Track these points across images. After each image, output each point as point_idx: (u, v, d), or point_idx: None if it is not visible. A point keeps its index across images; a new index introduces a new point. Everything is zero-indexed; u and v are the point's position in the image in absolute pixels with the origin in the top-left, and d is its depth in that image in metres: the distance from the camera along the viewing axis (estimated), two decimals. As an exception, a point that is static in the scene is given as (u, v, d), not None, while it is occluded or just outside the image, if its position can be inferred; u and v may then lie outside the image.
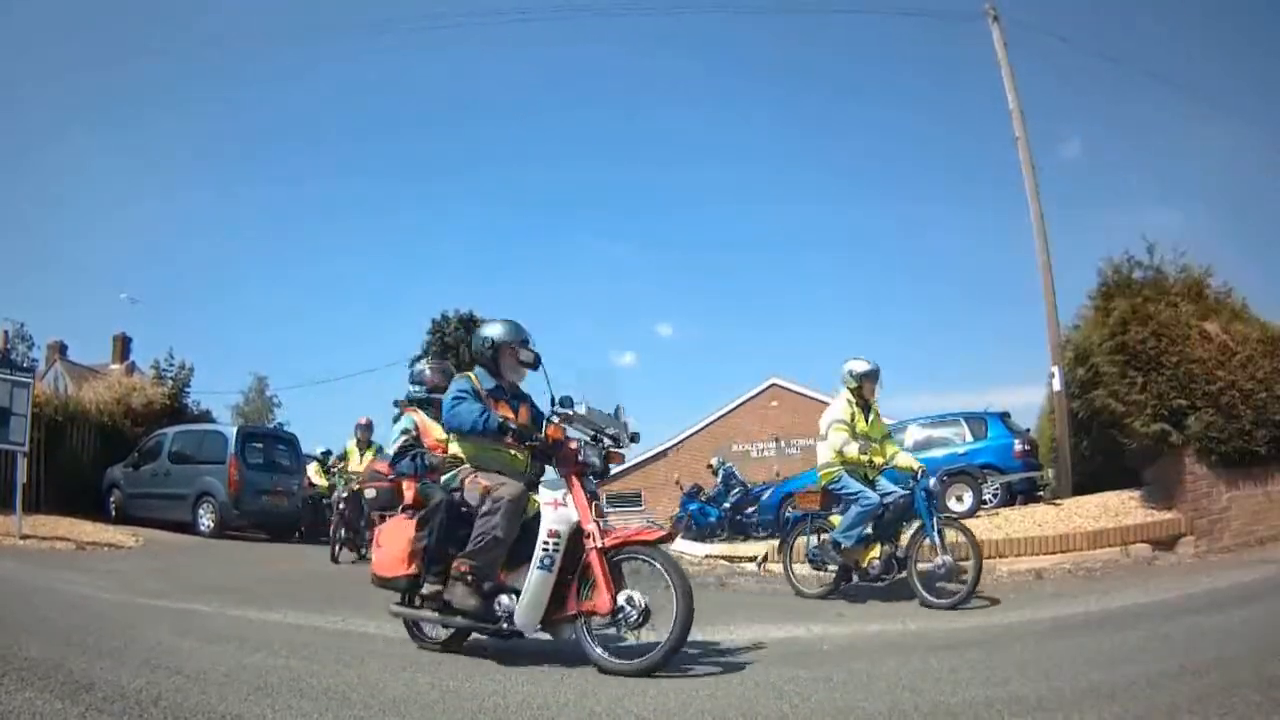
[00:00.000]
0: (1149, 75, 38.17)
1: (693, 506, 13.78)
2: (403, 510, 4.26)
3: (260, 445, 13.03)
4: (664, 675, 3.42)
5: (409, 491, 4.35)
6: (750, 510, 12.96)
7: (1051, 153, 48.91)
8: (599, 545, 3.48)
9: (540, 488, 3.72)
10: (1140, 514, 7.92)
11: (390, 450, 5.09)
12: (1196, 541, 7.44)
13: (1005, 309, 49.12)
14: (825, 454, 6.17)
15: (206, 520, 11.80)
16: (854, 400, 6.20)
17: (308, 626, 4.83)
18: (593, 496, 3.60)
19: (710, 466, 14.65)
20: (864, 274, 54.27)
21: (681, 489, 15.61)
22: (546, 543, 3.51)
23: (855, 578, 6.10)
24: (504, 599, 3.62)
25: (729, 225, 54.40)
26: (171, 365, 16.07)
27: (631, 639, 3.51)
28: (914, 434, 10.83)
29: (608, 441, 3.72)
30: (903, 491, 5.89)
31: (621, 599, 3.42)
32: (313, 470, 12.27)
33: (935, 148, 51.63)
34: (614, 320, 55.71)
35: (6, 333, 24.68)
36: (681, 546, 9.75)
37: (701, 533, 13.11)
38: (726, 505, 13.26)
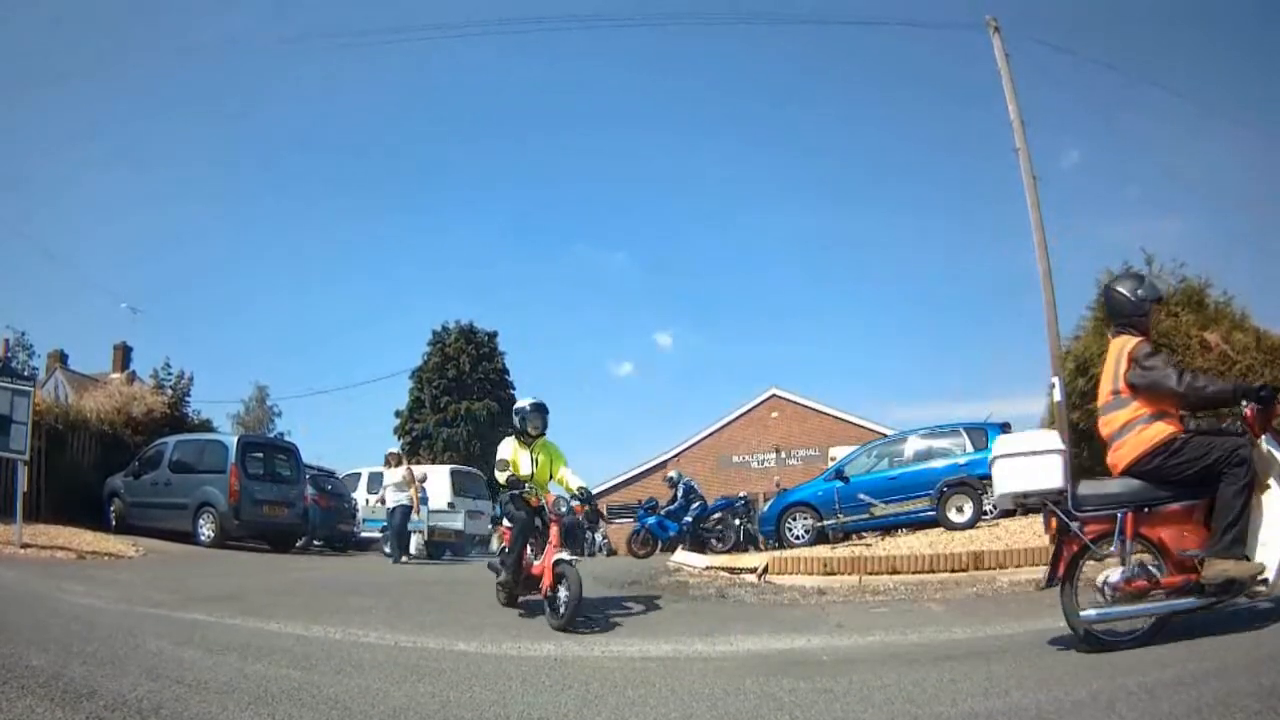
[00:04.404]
0: (1150, 84, 38.51)
1: (650, 520, 13.78)
2: None
3: (261, 455, 13.02)
4: (664, 684, 3.43)
5: None
6: (709, 523, 13.38)
7: (1051, 163, 49.16)
8: None
9: None
10: (1141, 524, 7.91)
11: None
12: (1197, 552, 7.42)
13: (1006, 320, 49.15)
14: None
15: (207, 530, 11.77)
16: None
17: (308, 636, 4.84)
18: None
19: (669, 480, 14.72)
20: (865, 285, 54.38)
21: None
22: None
23: None
24: None
25: (730, 235, 54.58)
26: (170, 374, 16.12)
27: None
28: (914, 445, 10.83)
29: None
30: None
31: None
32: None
33: (937, 159, 51.88)
34: (612, 330, 55.83)
35: (7, 341, 24.77)
36: (681, 558, 9.72)
37: (663, 546, 13.33)
38: (688, 519, 13.46)
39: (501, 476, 5.94)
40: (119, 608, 5.64)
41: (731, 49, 56.68)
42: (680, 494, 13.84)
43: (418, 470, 17.36)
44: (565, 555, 5.54)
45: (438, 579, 8.90)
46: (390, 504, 11.81)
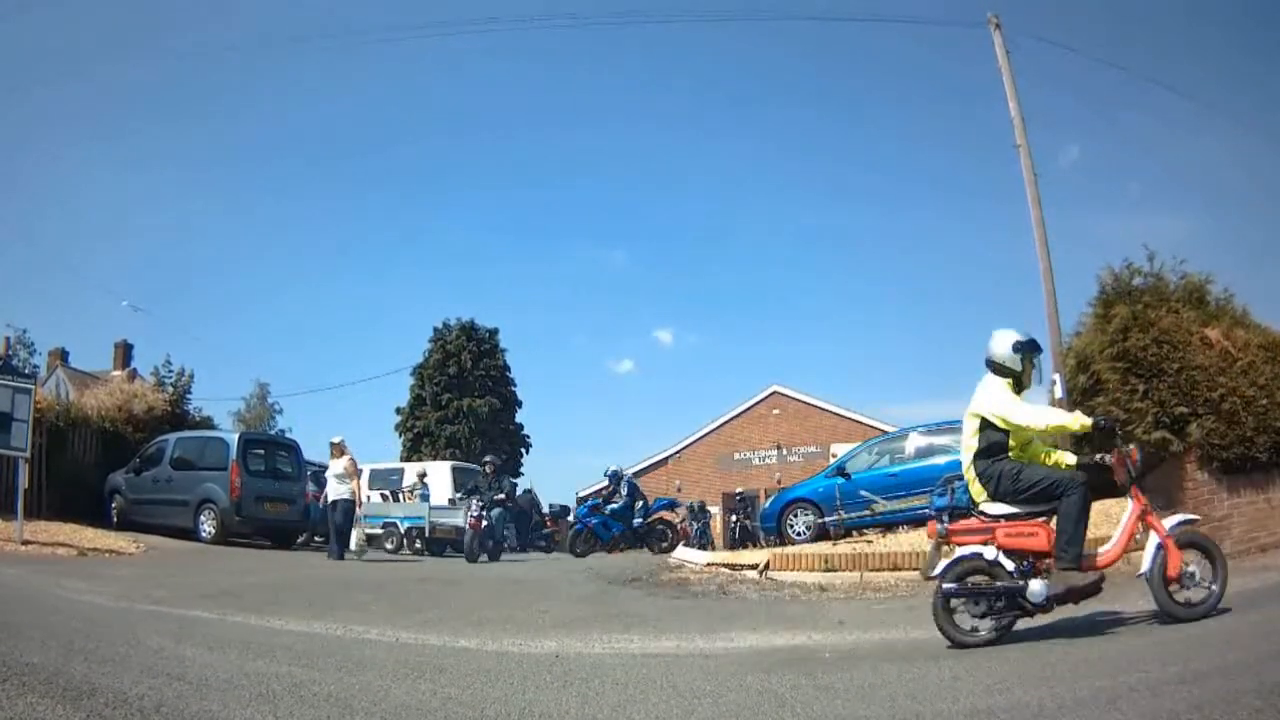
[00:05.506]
0: (1150, 81, 38.40)
1: (594, 520, 12.95)
2: None
3: (262, 452, 13.04)
4: (665, 681, 3.44)
5: None
6: (650, 522, 12.91)
7: (1052, 160, 49.11)
8: None
9: None
10: (1142, 521, 7.90)
11: None
12: (1198, 549, 7.42)
13: (1007, 317, 49.08)
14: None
15: (208, 527, 11.79)
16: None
17: (309, 633, 4.84)
18: None
19: (610, 475, 13.50)
20: (866, 281, 54.33)
21: (679, 493, 15.33)
22: None
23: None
24: None
25: (730, 234, 54.49)
26: (171, 372, 16.11)
27: None
28: (915, 441, 10.81)
29: None
30: None
31: None
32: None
33: (937, 156, 51.78)
34: (612, 327, 55.78)
35: (8, 339, 24.78)
36: (683, 555, 9.73)
37: (605, 546, 12.68)
38: (637, 520, 12.79)
39: (1071, 420, 4.22)
40: (120, 605, 5.64)
41: (732, 48, 56.57)
42: (625, 492, 13.06)
43: (418, 466, 17.42)
44: (1186, 514, 4.12)
45: (438, 576, 8.90)
46: (332, 497, 10.94)
